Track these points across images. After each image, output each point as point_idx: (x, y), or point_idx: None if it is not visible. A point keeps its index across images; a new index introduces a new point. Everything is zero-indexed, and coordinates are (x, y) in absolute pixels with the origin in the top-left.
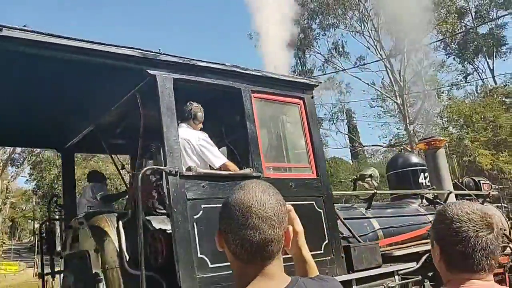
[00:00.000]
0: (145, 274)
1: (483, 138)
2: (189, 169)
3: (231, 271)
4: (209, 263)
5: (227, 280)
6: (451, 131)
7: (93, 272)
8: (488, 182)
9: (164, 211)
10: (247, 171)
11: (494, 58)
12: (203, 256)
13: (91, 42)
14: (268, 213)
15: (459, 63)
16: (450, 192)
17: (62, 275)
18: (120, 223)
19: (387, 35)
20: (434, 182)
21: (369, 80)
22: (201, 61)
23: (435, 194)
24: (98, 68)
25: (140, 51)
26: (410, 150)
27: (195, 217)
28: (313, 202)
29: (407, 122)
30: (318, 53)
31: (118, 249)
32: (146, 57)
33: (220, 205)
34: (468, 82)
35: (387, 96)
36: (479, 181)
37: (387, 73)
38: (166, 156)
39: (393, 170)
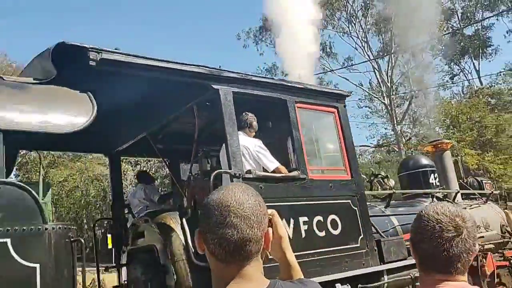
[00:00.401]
0: (206, 265)
1: (469, 138)
2: (249, 172)
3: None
4: (268, 255)
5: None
6: (437, 131)
7: (162, 264)
8: (489, 181)
9: None
10: (295, 173)
11: (480, 59)
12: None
13: (168, 61)
14: (246, 213)
15: (445, 64)
16: (458, 192)
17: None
18: (184, 220)
19: (374, 36)
20: (442, 182)
21: (357, 81)
22: (255, 75)
23: (445, 193)
24: (166, 83)
25: (206, 68)
26: (397, 150)
27: None
28: (349, 201)
29: (395, 122)
30: None
31: (184, 243)
32: (211, 73)
33: (274, 204)
34: (455, 83)
35: (375, 97)
36: (481, 180)
37: (375, 73)
38: (230, 160)
39: (405, 171)
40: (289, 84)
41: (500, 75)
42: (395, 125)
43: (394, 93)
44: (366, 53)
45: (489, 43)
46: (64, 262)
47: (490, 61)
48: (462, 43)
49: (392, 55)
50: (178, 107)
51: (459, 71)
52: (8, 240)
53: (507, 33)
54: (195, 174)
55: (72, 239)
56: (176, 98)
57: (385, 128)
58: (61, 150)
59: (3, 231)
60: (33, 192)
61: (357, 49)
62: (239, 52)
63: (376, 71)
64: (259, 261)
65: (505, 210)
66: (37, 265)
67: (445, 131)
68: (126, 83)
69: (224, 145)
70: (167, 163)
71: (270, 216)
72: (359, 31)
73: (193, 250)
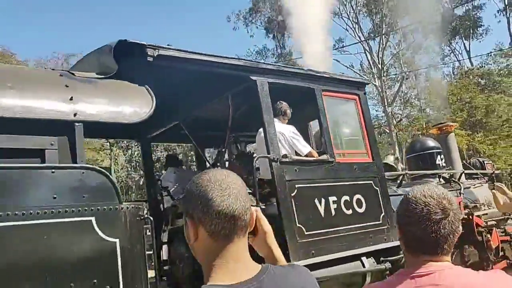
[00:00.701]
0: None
1: (459, 119)
2: (285, 156)
3: (320, 237)
4: (304, 231)
5: (317, 244)
6: (428, 113)
7: None
8: (490, 162)
9: (249, 191)
10: (324, 157)
11: (471, 40)
12: (300, 226)
13: (213, 55)
14: (240, 187)
15: (436, 45)
16: (463, 172)
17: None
18: None
19: (365, 17)
20: (447, 163)
21: (348, 63)
22: (286, 66)
23: (451, 173)
24: (208, 75)
25: (245, 60)
26: (388, 131)
27: (292, 194)
28: (371, 181)
29: (386, 104)
30: None
31: None
32: (250, 65)
33: (308, 185)
34: (445, 64)
35: (366, 79)
36: (483, 161)
37: (366, 55)
38: (268, 146)
39: (412, 153)
40: (317, 74)
41: (490, 55)
42: (386, 106)
43: (385, 75)
44: (357, 34)
45: (480, 23)
46: (137, 237)
47: (480, 41)
48: (453, 24)
49: (383, 36)
50: (215, 97)
51: (450, 52)
52: (93, 218)
53: (498, 12)
54: (231, 158)
55: (142, 217)
56: (214, 88)
57: (376, 110)
58: (96, 138)
59: (88, 210)
60: (110, 175)
61: (347, 31)
62: (228, 34)
63: (367, 52)
64: (247, 243)
65: (493, 190)
66: (117, 240)
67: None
68: (171, 76)
69: (258, 131)
70: (197, 148)
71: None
72: (350, 12)
73: None
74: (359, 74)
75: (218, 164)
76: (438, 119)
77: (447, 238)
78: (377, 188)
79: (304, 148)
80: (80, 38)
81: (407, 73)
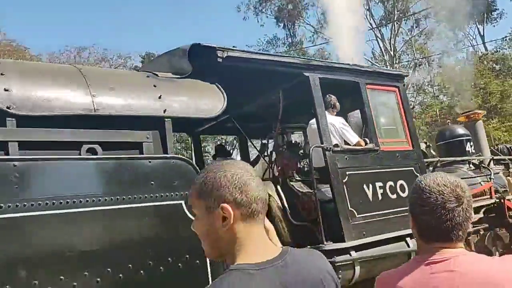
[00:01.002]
0: (300, 223)
1: (474, 105)
2: (336, 145)
3: (370, 219)
4: (356, 214)
5: (367, 225)
6: (442, 99)
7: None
8: None
9: (298, 178)
10: (370, 146)
11: (485, 24)
12: (352, 209)
13: (273, 55)
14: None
15: (449, 30)
16: (492, 158)
17: None
18: (278, 187)
19: (377, 4)
20: (476, 150)
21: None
22: (334, 62)
23: (480, 159)
24: (266, 72)
25: (299, 58)
26: None
27: (344, 181)
28: (412, 168)
29: None
30: (307, 24)
31: (281, 206)
32: (303, 62)
33: (357, 172)
34: (459, 49)
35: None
36: (510, 147)
37: (378, 42)
38: (321, 136)
39: (442, 141)
40: (361, 69)
41: (505, 40)
42: None
43: (397, 62)
44: (369, 21)
45: (494, 7)
46: None
47: (494, 26)
48: (467, 8)
49: (395, 23)
50: (268, 92)
51: (464, 37)
52: (182, 202)
53: None
54: (279, 148)
55: None
56: (268, 84)
57: None
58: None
59: (178, 195)
60: (194, 164)
61: None
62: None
63: (379, 39)
64: None
65: (508, 177)
66: None
67: (449, 99)
68: (233, 74)
69: (309, 123)
70: (242, 140)
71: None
72: None
73: (289, 211)
74: (370, 62)
75: (265, 154)
76: (464, 107)
77: (462, 225)
78: (418, 174)
79: (353, 137)
80: (91, 30)
81: (420, 59)
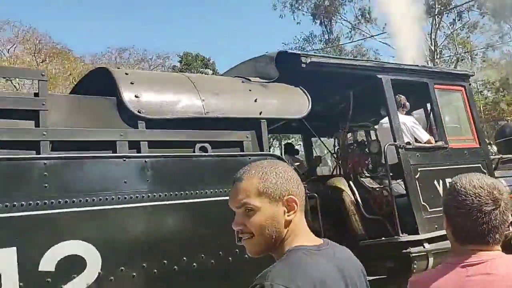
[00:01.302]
0: (373, 217)
1: None
2: (408, 143)
3: (440, 214)
4: (428, 208)
5: (438, 219)
6: (486, 95)
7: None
8: None
9: (368, 175)
10: (440, 143)
11: None
12: (425, 203)
13: (350, 59)
14: None
15: (494, 23)
16: None
17: None
18: (351, 182)
19: None
20: None
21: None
22: (404, 64)
23: None
24: (341, 75)
25: (373, 61)
26: None
27: (416, 177)
28: (480, 165)
29: None
30: (344, 20)
31: (354, 200)
32: (376, 65)
33: (428, 169)
34: (505, 43)
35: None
36: None
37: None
38: (394, 135)
39: (502, 138)
40: (430, 70)
41: None
42: None
43: (438, 57)
44: None
45: None
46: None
47: None
48: None
49: (436, 17)
50: (339, 93)
51: (510, 29)
52: None
53: None
54: (350, 146)
55: (308, 194)
56: (342, 85)
57: None
58: None
59: None
60: (286, 161)
61: None
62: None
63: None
64: None
65: None
66: None
67: (494, 94)
68: (312, 78)
69: (380, 122)
70: (307, 138)
71: None
72: None
73: (362, 205)
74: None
75: (334, 152)
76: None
77: (499, 228)
78: (485, 171)
79: (424, 136)
80: (130, 31)
81: (462, 54)
